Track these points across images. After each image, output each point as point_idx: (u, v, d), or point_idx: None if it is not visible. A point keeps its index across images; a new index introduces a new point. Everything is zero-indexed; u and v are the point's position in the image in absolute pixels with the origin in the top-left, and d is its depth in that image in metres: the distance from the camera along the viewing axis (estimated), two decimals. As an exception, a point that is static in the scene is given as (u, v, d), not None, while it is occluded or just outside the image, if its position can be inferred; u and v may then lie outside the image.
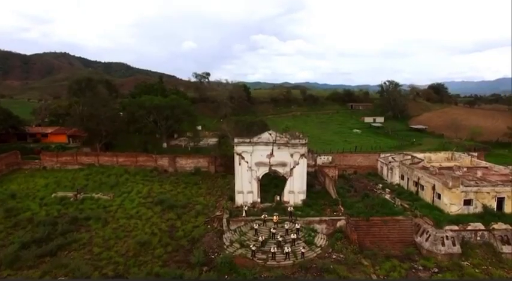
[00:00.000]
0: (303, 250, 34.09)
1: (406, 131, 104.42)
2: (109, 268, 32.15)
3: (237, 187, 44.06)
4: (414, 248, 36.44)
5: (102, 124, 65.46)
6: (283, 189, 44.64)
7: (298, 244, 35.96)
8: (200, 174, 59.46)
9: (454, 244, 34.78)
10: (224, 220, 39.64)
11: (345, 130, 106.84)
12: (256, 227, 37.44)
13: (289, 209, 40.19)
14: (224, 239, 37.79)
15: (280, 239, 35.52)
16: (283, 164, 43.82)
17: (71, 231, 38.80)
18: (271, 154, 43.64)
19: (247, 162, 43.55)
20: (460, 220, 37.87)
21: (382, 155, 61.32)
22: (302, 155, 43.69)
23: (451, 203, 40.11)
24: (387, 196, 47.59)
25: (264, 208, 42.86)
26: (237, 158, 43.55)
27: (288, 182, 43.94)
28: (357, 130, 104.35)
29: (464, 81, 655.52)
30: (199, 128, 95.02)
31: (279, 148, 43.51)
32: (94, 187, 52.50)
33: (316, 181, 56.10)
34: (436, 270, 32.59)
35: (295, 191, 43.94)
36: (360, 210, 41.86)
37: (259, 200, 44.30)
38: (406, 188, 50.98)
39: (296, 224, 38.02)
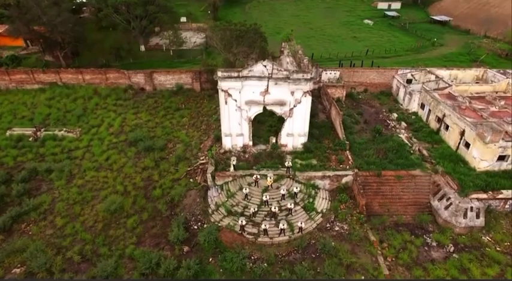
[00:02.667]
0: (300, 225, 28.35)
1: (426, 24, 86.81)
2: (74, 250, 26.82)
3: (224, 129, 35.32)
4: (429, 214, 30.83)
5: (56, 30, 50.71)
6: (280, 130, 36.08)
7: (295, 212, 30.10)
8: (183, 93, 49.46)
9: (477, 216, 28.95)
10: (209, 175, 32.70)
11: (354, 20, 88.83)
12: (246, 191, 30.76)
13: (286, 163, 32.61)
14: (209, 200, 31.72)
15: (275, 209, 29.39)
16: (282, 103, 33.89)
17: (29, 191, 32.34)
18: (266, 91, 33.20)
19: (235, 100, 33.46)
20: (488, 181, 30.97)
21: (400, 72, 49.90)
22: (306, 93, 33.35)
23: (482, 159, 32.45)
24: (403, 135, 39.40)
25: (256, 154, 35.37)
26: (222, 95, 33.24)
27: (286, 124, 34.98)
28: (368, 21, 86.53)
29: None
30: (184, 19, 78.19)
31: (276, 84, 32.73)
32: (58, 116, 43.46)
33: (320, 104, 46.87)
34: (452, 249, 27.62)
35: (294, 133, 35.43)
36: (370, 159, 34.51)
37: (251, 143, 36.28)
38: (425, 120, 42.27)
39: (294, 187, 31.28)
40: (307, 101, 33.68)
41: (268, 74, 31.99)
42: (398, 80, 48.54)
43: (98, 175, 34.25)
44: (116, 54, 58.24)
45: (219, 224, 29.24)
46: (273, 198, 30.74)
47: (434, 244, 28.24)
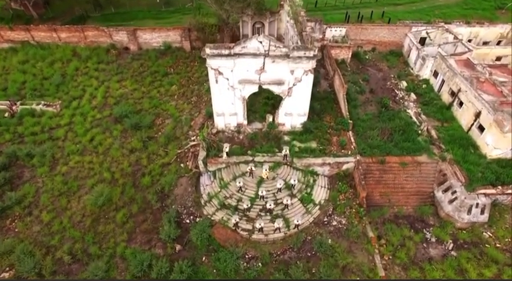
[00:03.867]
0: (296, 223, 26.75)
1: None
2: (64, 249, 25.62)
3: (216, 109, 31.55)
4: (431, 205, 29.13)
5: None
6: (278, 108, 32.29)
7: (292, 205, 28.26)
8: (171, 54, 43.94)
9: (482, 212, 27.26)
10: (200, 162, 30.10)
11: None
12: (240, 184, 28.44)
13: (284, 151, 29.62)
14: (201, 189, 29.72)
15: (271, 206, 27.45)
16: (280, 83, 29.57)
17: (10, 180, 30.04)
18: (262, 69, 28.60)
19: (227, 79, 29.10)
20: (499, 173, 28.45)
21: (414, 29, 43.46)
22: (308, 71, 28.74)
23: (496, 147, 29.45)
24: (411, 110, 35.60)
25: (251, 135, 32.26)
26: (212, 73, 28.72)
27: (284, 103, 31.09)
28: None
29: None
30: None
31: (273, 61, 28.00)
32: (34, 85, 38.90)
33: (323, 68, 41.90)
34: (451, 246, 26.52)
35: (293, 113, 31.77)
36: (374, 142, 31.55)
37: (245, 121, 32.82)
38: (437, 91, 37.99)
39: (292, 179, 28.88)
40: (309, 79, 29.29)
41: (265, 51, 27.08)
42: (410, 40, 42.60)
43: (83, 159, 31.61)
44: (94, 2, 50.42)
45: (212, 218, 27.77)
46: (268, 190, 28.72)
47: (433, 239, 27.08)
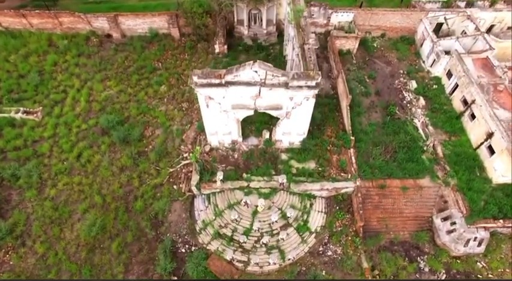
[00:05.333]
0: (289, 257, 26.17)
1: None
2: (61, 283, 25.68)
3: (208, 130, 28.80)
4: (428, 231, 28.35)
5: None
6: (275, 125, 29.42)
7: (288, 235, 27.42)
8: (159, 42, 39.17)
9: (479, 245, 26.58)
10: (193, 188, 28.44)
11: None
12: (235, 217, 27.14)
13: (280, 180, 27.67)
14: (196, 214, 28.64)
15: (266, 241, 26.57)
16: (277, 108, 26.36)
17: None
18: (258, 95, 25.16)
19: (219, 103, 25.83)
20: (502, 204, 27.06)
21: (431, 15, 37.72)
22: (309, 96, 25.27)
23: (503, 175, 27.50)
24: (418, 120, 32.61)
25: (247, 153, 30.05)
26: (202, 98, 25.33)
27: (282, 123, 28.22)
28: None
29: None
30: None
31: (271, 89, 24.44)
32: (10, 85, 35.13)
33: (326, 62, 37.58)
34: (444, 277, 26.48)
35: (292, 132, 29.11)
36: (376, 162, 29.52)
37: (240, 139, 30.33)
38: (448, 93, 34.47)
39: (288, 211, 27.50)
40: (310, 103, 25.98)
41: (261, 79, 23.43)
42: (425, 27, 37.32)
43: (72, 180, 29.85)
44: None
45: (208, 248, 27.27)
46: (264, 221, 27.68)
47: (426, 269, 26.96)
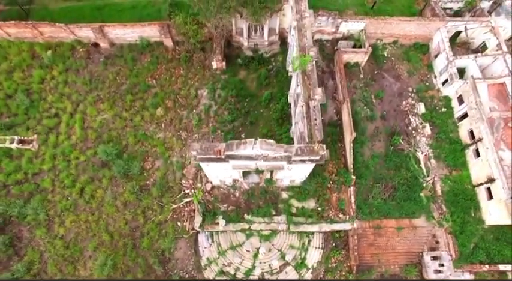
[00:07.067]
0: (289, 295, 28.08)
1: None
2: (82, 318, 27.99)
3: (209, 176, 27.98)
4: (417, 264, 29.78)
5: None
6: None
7: (286, 273, 28.82)
8: (151, 52, 35.34)
9: (463, 285, 28.25)
10: (197, 226, 28.91)
11: None
12: (237, 262, 28.09)
13: (280, 228, 27.81)
14: (200, 250, 29.76)
15: (266, 278, 27.98)
16: (279, 167, 25.14)
17: (12, 243, 29.45)
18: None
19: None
20: (490, 249, 27.93)
21: (451, 24, 33.13)
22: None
23: (497, 221, 27.64)
24: (421, 153, 31.39)
25: (248, 192, 29.84)
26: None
27: (282, 171, 27.17)
28: None
29: None
30: None
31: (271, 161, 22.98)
32: (-1, 109, 33.00)
33: (331, 78, 34.65)
34: (427, 309, 28.87)
35: (293, 176, 28.27)
36: (375, 202, 29.52)
37: (241, 179, 29.67)
38: (456, 119, 32.58)
39: (287, 252, 28.36)
40: (310, 166, 24.65)
41: (263, 155, 21.92)
42: (442, 39, 33.30)
43: (78, 218, 30.19)
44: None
45: (213, 283, 29.14)
46: (264, 262, 28.87)
47: (411, 302, 29.33)
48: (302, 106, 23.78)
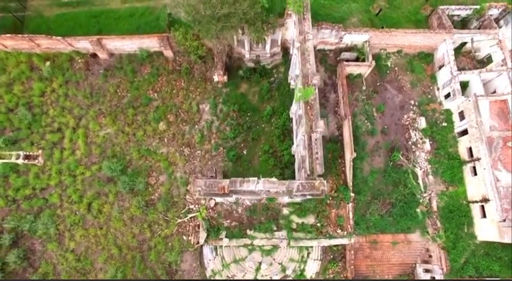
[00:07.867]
0: (288, 307, 29.81)
1: None
2: (96, 325, 29.93)
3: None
4: (410, 275, 31.24)
5: None
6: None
7: (286, 284, 30.45)
8: (151, 63, 34.69)
9: (452, 296, 29.90)
10: (201, 240, 30.04)
11: None
12: (241, 276, 29.46)
13: (281, 244, 28.90)
14: (205, 262, 31.13)
15: (267, 292, 29.65)
16: (282, 194, 25.61)
17: (26, 256, 30.68)
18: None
19: (223, 186, 25.16)
20: (479, 264, 29.22)
21: (457, 36, 32.01)
22: (312, 184, 24.38)
23: (487, 237, 28.66)
24: (419, 169, 31.76)
25: (250, 209, 30.62)
26: (206, 185, 24.54)
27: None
28: None
29: None
30: None
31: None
32: (1, 124, 32.87)
33: (333, 91, 34.21)
34: (417, 316, 30.77)
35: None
36: (372, 219, 30.47)
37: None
38: (456, 134, 32.66)
39: (287, 265, 29.67)
40: (313, 188, 25.30)
41: (265, 191, 22.35)
42: (447, 51, 32.44)
43: (88, 233, 31.27)
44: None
45: (218, 293, 30.82)
46: (266, 275, 30.29)
47: (403, 309, 31.19)
48: (304, 136, 23.89)
